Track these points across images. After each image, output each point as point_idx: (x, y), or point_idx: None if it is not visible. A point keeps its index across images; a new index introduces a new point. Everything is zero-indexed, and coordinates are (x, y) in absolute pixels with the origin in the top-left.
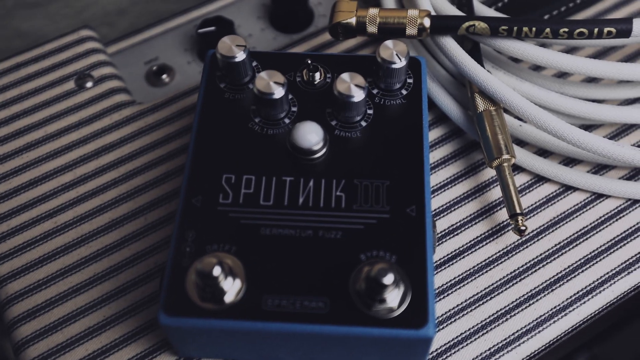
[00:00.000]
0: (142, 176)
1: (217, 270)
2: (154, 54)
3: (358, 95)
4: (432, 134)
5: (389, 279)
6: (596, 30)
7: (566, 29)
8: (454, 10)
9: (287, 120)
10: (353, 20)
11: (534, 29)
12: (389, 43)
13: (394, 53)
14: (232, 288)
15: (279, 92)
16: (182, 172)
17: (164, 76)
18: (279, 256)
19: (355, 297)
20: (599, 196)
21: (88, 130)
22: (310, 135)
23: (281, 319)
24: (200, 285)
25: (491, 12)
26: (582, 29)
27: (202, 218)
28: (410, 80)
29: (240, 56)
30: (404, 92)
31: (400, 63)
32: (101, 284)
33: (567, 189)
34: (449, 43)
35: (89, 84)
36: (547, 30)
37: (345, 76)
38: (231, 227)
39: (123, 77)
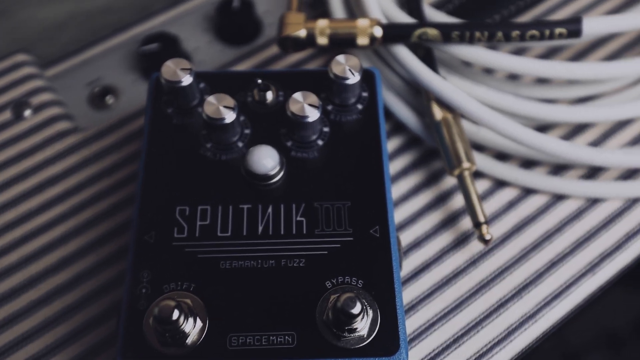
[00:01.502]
0: (91, 209)
1: (175, 314)
2: (96, 74)
3: (313, 115)
4: (391, 144)
5: (356, 308)
6: (547, 32)
7: (518, 32)
8: (404, 17)
9: (240, 144)
10: (303, 33)
11: (486, 33)
12: (340, 58)
13: (347, 68)
14: (193, 329)
15: (229, 117)
16: (133, 203)
17: (108, 97)
18: (241, 290)
19: (323, 328)
20: (559, 197)
21: (29, 163)
22: (266, 160)
23: (247, 357)
24: (159, 330)
25: (442, 16)
26: (534, 32)
27: (157, 255)
28: (365, 94)
29: (187, 80)
30: (360, 106)
31: (354, 78)
32: (54, 328)
33: (528, 192)
34: (402, 52)
35: (27, 113)
36: (500, 34)
37: (297, 96)
38: (188, 263)
39: (64, 102)
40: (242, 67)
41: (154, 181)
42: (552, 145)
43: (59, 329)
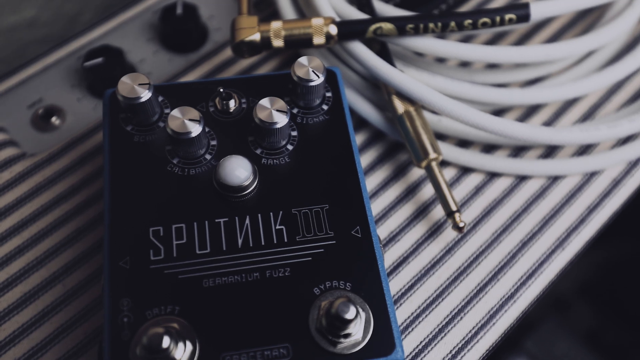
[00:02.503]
0: (51, 238)
1: (166, 341)
2: (37, 95)
3: (281, 121)
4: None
5: (351, 313)
6: (498, 18)
7: (470, 21)
8: (356, 13)
9: (208, 156)
10: (257, 37)
11: (439, 24)
12: (303, 60)
13: (310, 70)
14: (184, 354)
15: (195, 130)
16: (96, 226)
17: (54, 119)
18: (228, 307)
19: (317, 337)
20: (522, 178)
21: None
22: (238, 170)
23: None
24: (148, 359)
25: (391, 10)
26: (485, 19)
27: (135, 281)
28: (329, 94)
29: (146, 95)
30: (325, 107)
31: (318, 80)
32: None
33: (493, 176)
34: (359, 48)
35: None
36: (452, 23)
37: (264, 102)
38: (169, 285)
39: (6, 128)
40: (193, 75)
41: (122, 204)
42: (516, 129)
43: None
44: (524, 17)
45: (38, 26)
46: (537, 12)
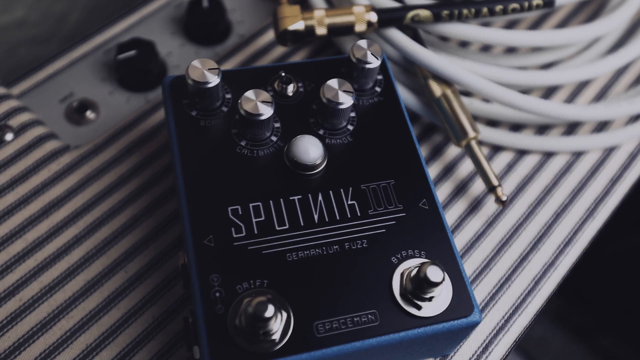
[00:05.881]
0: (107, 226)
1: (271, 310)
2: (67, 89)
3: (347, 102)
4: None
5: (439, 275)
6: (527, 4)
7: (501, 7)
8: (387, 2)
9: (274, 138)
10: (301, 25)
11: (473, 10)
12: (362, 43)
13: (369, 53)
14: (281, 323)
15: (267, 112)
16: (151, 213)
17: (88, 112)
18: (313, 279)
19: (402, 301)
20: (549, 155)
21: (26, 188)
22: (312, 149)
23: (338, 342)
24: (248, 329)
25: None
26: (515, 5)
27: (221, 257)
28: (380, 77)
29: (215, 81)
30: (378, 89)
31: (376, 62)
32: (98, 354)
33: (522, 153)
34: (397, 35)
35: (9, 136)
36: (485, 9)
37: (332, 83)
38: (255, 261)
39: (43, 121)
40: (224, 67)
41: (196, 186)
42: (557, 109)
43: (103, 354)
44: (550, 3)
45: (27, 26)
46: None
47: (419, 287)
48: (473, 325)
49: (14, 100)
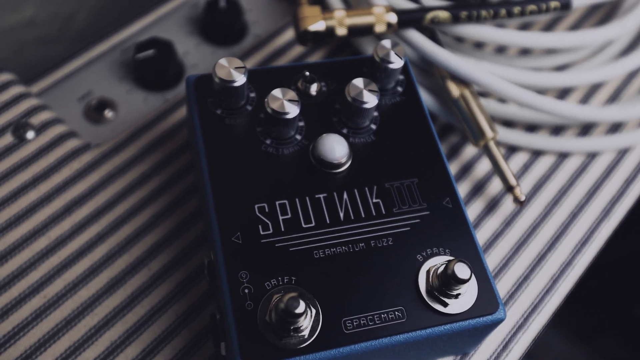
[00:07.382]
0: (130, 224)
1: (302, 306)
2: (85, 88)
3: (372, 101)
4: None
5: (466, 273)
6: (544, 6)
7: (520, 8)
8: (405, 3)
9: (298, 137)
10: (322, 25)
11: (491, 11)
12: (385, 43)
13: (392, 53)
14: (310, 320)
15: (294, 111)
16: (173, 212)
17: (107, 111)
18: (341, 276)
19: (428, 298)
20: (564, 156)
21: (48, 186)
22: (338, 147)
23: (366, 338)
24: (278, 325)
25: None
26: (532, 7)
27: (249, 255)
28: (401, 77)
29: (241, 79)
30: (400, 89)
31: (400, 62)
32: (123, 351)
33: (537, 154)
34: (416, 36)
35: (31, 135)
36: (503, 11)
37: (357, 82)
38: (282, 258)
39: (63, 120)
40: None
41: (223, 184)
42: (574, 110)
43: (128, 351)
44: (567, 6)
45: (36, 26)
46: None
47: (446, 284)
48: (497, 322)
49: (34, 99)
